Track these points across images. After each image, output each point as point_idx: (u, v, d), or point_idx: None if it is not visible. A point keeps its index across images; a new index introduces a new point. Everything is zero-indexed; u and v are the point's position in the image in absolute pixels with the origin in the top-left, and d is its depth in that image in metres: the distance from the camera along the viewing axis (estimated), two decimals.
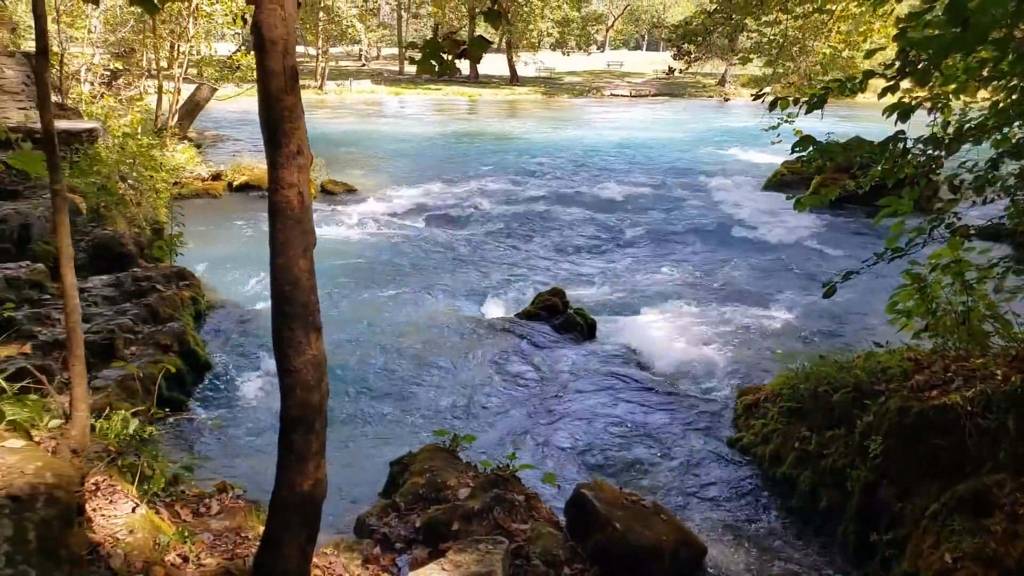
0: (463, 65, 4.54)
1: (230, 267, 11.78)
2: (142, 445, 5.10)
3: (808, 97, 5.57)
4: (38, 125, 11.48)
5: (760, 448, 6.19)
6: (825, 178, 14.64)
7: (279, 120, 3.10)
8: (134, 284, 9.22)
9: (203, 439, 7.26)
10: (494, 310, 10.78)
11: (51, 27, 22.57)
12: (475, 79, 54.45)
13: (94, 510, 4.16)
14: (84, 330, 8.02)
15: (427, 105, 44.90)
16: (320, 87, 47.07)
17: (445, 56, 4.52)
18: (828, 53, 22.09)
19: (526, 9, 53.04)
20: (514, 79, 56.86)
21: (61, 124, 12.36)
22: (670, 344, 8.90)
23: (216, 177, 18.36)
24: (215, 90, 23.86)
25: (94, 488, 4.19)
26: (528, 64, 61.23)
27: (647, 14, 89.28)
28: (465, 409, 7.46)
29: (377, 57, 63.99)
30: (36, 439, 3.92)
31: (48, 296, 8.54)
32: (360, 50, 60.68)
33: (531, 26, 55.06)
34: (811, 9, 19.15)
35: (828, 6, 18.53)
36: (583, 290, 11.59)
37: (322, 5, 45.92)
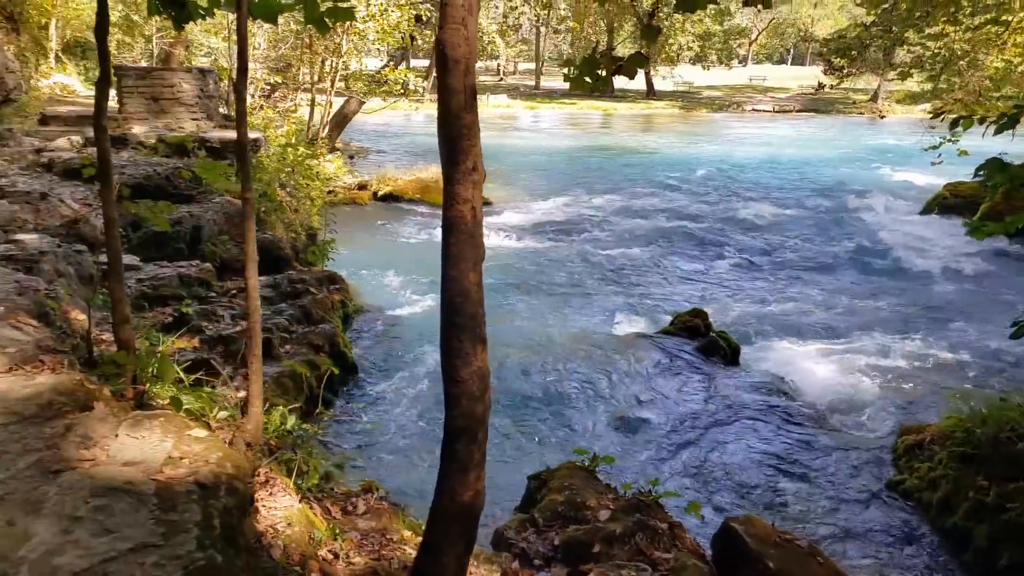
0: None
1: (376, 273, 12.26)
2: (298, 441, 5.33)
3: (997, 116, 5.12)
4: (210, 134, 12.35)
5: (926, 494, 5.72)
6: (1001, 203, 13.45)
7: (458, 137, 3.15)
8: (290, 286, 9.75)
9: (350, 438, 7.55)
10: (632, 327, 10.62)
11: (222, 44, 24.47)
12: (611, 93, 54.27)
13: (258, 501, 4.38)
14: (245, 328, 8.57)
15: (562, 119, 45.20)
16: None
17: (601, 72, 4.45)
18: (1001, 67, 20.43)
19: (667, 23, 52.37)
20: (651, 93, 56.24)
21: (229, 134, 13.30)
22: (821, 375, 8.43)
23: (362, 187, 19.21)
24: (362, 103, 25.00)
25: (262, 480, 4.40)
26: (666, 78, 60.44)
27: (793, 27, 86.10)
28: (604, 428, 7.36)
29: (514, 72, 65.16)
30: (213, 428, 4.17)
31: (214, 294, 9.18)
32: (498, 65, 61.98)
33: (671, 40, 54.30)
34: (984, 20, 17.79)
35: (1004, 17, 17.15)
36: (724, 313, 11.21)
37: None
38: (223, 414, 5.21)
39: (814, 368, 8.62)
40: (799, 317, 11.04)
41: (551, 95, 53.18)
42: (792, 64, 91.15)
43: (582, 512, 5.47)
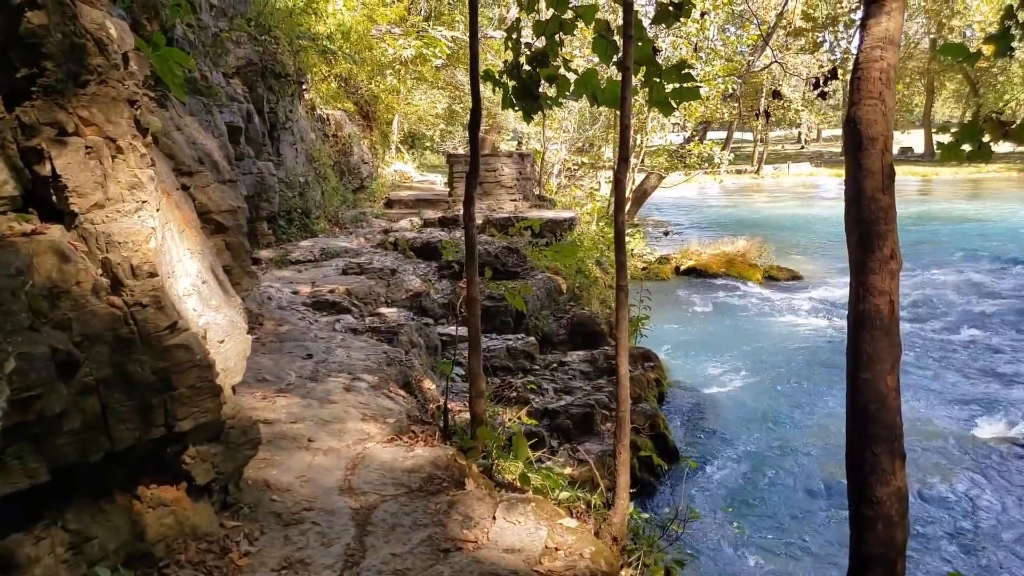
0: (914, 140, 3.79)
1: (686, 350, 11.94)
2: (644, 534, 5.13)
3: None
4: (528, 215, 12.94)
5: None
6: None
7: (873, 221, 2.80)
8: (606, 362, 9.81)
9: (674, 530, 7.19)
10: (991, 428, 9.05)
11: (534, 129, 26.31)
12: (930, 156, 49.06)
13: None
14: (567, 403, 8.75)
15: (957, 182, 41.73)
16: (757, 171, 47.01)
17: (984, 139, 3.88)
18: None
19: (1001, 79, 46.49)
20: (984, 156, 49.73)
21: (547, 214, 14.06)
22: None
23: (663, 260, 19.13)
24: (662, 178, 25.21)
25: None
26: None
27: None
28: (973, 545, 6.20)
29: (816, 139, 61.95)
30: (574, 514, 4.12)
31: (537, 367, 9.53)
32: (799, 132, 59.37)
33: (1007, 95, 47.90)
34: None
35: None
36: None
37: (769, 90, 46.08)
38: (575, 496, 5.20)
39: None
40: None
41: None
42: None
43: None
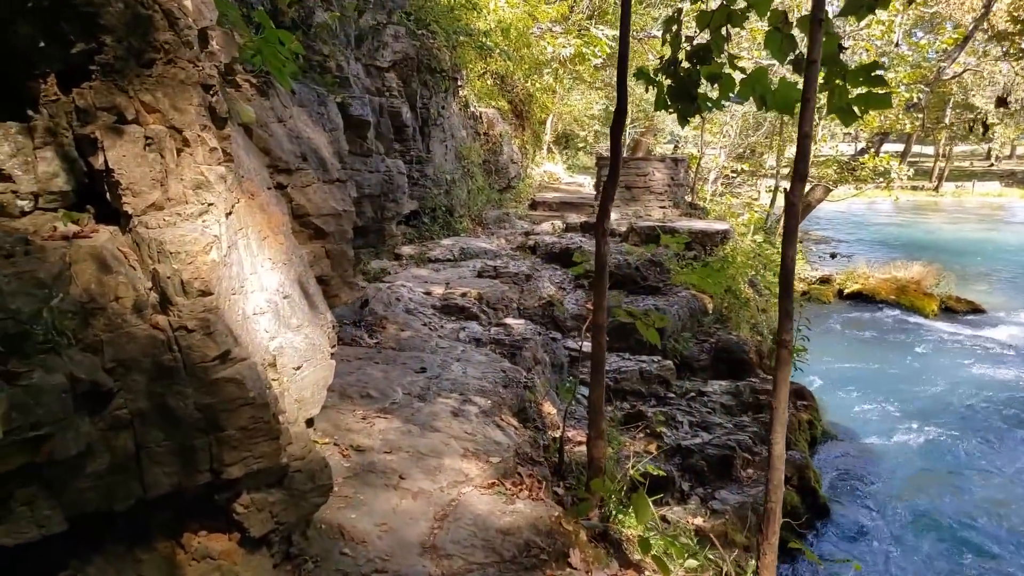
0: None
1: (845, 390, 10.62)
2: None
3: None
4: (677, 224, 12.00)
5: None
6: None
7: None
8: (751, 396, 8.80)
9: None
10: None
11: (692, 132, 25.06)
12: None
13: None
14: (704, 441, 7.86)
15: None
16: (936, 188, 42.93)
17: None
18: None
19: None
20: None
21: (698, 224, 13.03)
22: None
23: (825, 281, 17.50)
24: (829, 191, 23.23)
25: None
26: None
27: None
28: None
29: (1011, 156, 55.66)
30: None
31: (672, 395, 8.68)
32: (988, 148, 53.70)
33: None
34: None
35: None
36: None
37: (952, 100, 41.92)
38: (704, 561, 4.44)
39: None
40: None
41: None
42: None
43: None
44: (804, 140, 2.78)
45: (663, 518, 6.54)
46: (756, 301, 10.57)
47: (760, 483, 7.12)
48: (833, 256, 21.84)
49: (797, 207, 2.83)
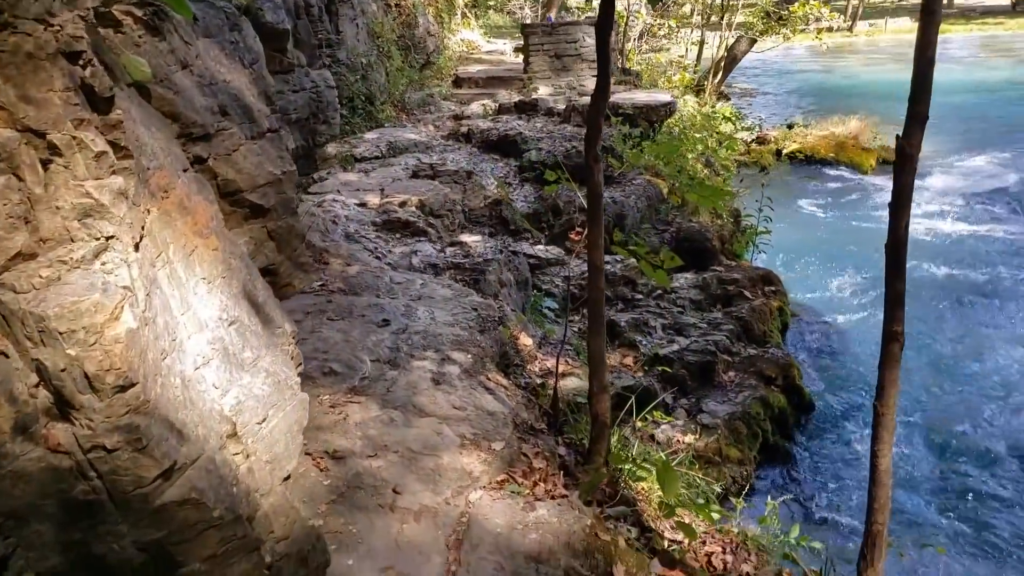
0: None
1: (803, 263, 10.39)
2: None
3: None
4: (619, 97, 11.08)
5: None
6: None
7: None
8: (719, 287, 8.40)
9: (804, 504, 6.02)
10: None
11: None
12: None
13: None
14: (681, 347, 7.46)
15: (979, 45, 37.09)
16: (850, 28, 42.54)
17: None
18: None
19: None
20: None
21: (640, 97, 12.16)
22: None
23: (762, 141, 17.04)
24: (754, 42, 22.47)
25: None
26: None
27: None
28: None
29: None
30: None
31: (640, 295, 8.21)
32: None
33: None
34: None
35: None
36: None
37: None
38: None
39: None
40: None
41: (967, 15, 44.31)
42: None
43: None
44: None
45: (652, 438, 6.20)
46: (713, 181, 10.02)
47: (745, 387, 6.83)
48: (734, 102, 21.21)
49: (914, 159, 2.14)
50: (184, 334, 2.04)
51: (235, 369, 2.25)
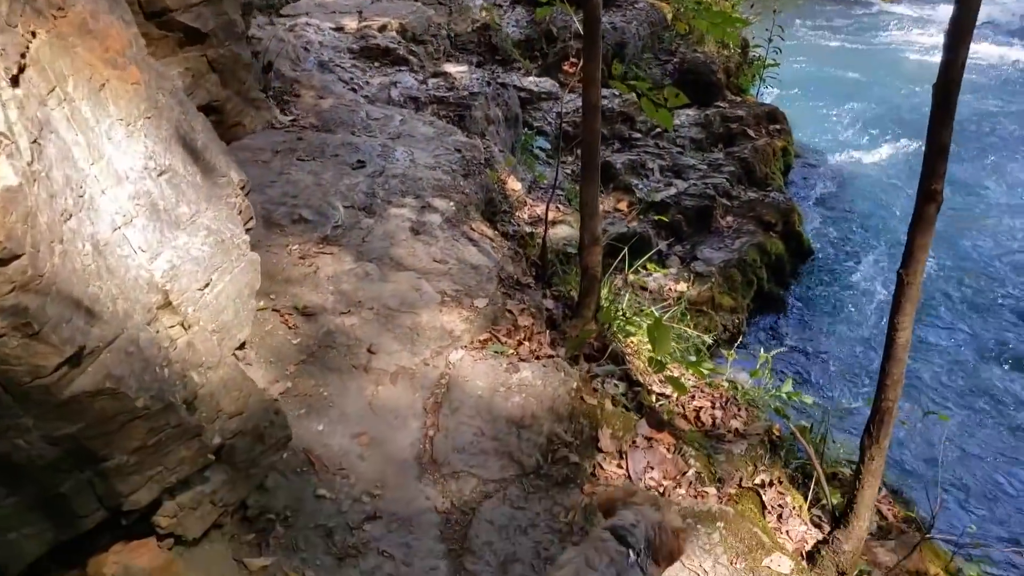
0: None
1: (812, 100, 9.80)
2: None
3: None
4: None
5: None
6: None
7: None
8: (722, 125, 7.92)
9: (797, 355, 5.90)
10: None
11: None
12: None
13: None
14: (679, 191, 7.09)
15: None
16: None
17: None
18: None
19: None
20: None
21: None
22: None
23: None
24: None
25: None
26: None
27: None
28: None
29: None
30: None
31: (638, 133, 7.74)
32: None
33: None
34: None
35: None
36: None
37: None
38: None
39: None
40: None
41: None
42: None
43: None
44: None
45: (643, 287, 6.01)
46: (721, 5, 9.20)
47: (743, 233, 6.56)
48: None
49: None
50: (96, 189, 1.71)
51: (167, 228, 1.93)
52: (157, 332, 1.75)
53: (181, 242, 1.97)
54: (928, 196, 1.96)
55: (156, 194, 1.92)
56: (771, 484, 3.16)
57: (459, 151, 5.00)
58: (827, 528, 3.08)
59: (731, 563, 2.25)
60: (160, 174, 1.96)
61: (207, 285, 2.02)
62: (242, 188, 2.35)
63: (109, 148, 1.79)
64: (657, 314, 3.97)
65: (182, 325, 1.88)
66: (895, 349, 2.10)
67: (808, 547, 2.51)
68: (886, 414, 2.15)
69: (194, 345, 1.90)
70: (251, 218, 2.40)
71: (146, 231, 1.85)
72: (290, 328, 3.08)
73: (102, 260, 1.63)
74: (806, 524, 3.00)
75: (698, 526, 2.35)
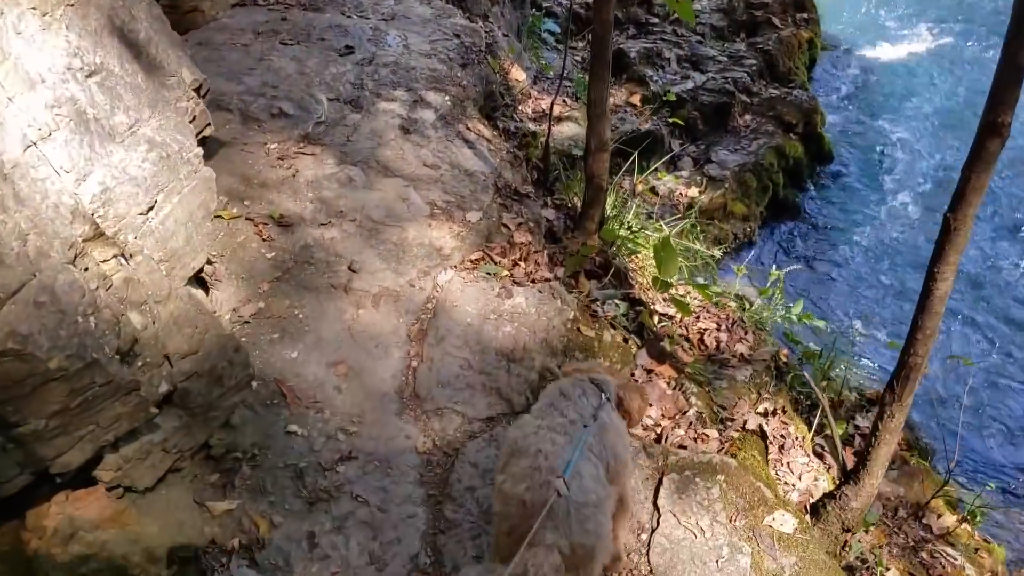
0: None
1: None
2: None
3: None
4: None
5: None
6: None
7: None
8: (746, 12, 7.34)
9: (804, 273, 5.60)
10: None
11: None
12: None
13: None
14: (697, 84, 6.60)
15: None
16: None
17: None
18: None
19: None
20: None
21: None
22: None
23: None
24: None
25: None
26: None
27: None
28: None
29: None
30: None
31: (655, 19, 7.16)
32: None
33: None
34: None
35: None
36: None
37: None
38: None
39: None
40: None
41: None
42: None
43: None
44: None
45: (652, 190, 5.68)
46: None
47: (761, 134, 6.15)
48: None
49: None
50: (2, 97, 1.42)
51: (99, 142, 1.64)
52: (86, 270, 1.50)
53: (117, 159, 1.68)
54: (992, 129, 1.66)
55: (84, 101, 1.62)
56: (774, 413, 3.00)
57: (458, 36, 4.56)
58: (827, 458, 2.95)
59: (730, 520, 2.09)
60: (89, 75, 1.65)
61: (151, 208, 1.76)
62: (196, 90, 2.04)
63: (18, 45, 1.48)
64: (666, 229, 3.69)
65: (118, 258, 1.63)
66: (931, 301, 1.85)
67: (813, 499, 2.35)
68: (913, 370, 1.93)
69: (135, 280, 1.66)
70: (207, 123, 2.09)
71: (70, 147, 1.57)
72: (264, 240, 2.82)
73: (8, 187, 1.36)
74: (808, 455, 2.86)
75: (696, 479, 2.17)
